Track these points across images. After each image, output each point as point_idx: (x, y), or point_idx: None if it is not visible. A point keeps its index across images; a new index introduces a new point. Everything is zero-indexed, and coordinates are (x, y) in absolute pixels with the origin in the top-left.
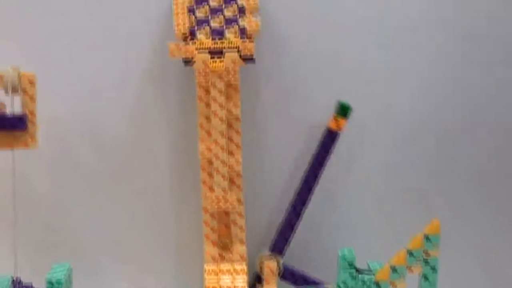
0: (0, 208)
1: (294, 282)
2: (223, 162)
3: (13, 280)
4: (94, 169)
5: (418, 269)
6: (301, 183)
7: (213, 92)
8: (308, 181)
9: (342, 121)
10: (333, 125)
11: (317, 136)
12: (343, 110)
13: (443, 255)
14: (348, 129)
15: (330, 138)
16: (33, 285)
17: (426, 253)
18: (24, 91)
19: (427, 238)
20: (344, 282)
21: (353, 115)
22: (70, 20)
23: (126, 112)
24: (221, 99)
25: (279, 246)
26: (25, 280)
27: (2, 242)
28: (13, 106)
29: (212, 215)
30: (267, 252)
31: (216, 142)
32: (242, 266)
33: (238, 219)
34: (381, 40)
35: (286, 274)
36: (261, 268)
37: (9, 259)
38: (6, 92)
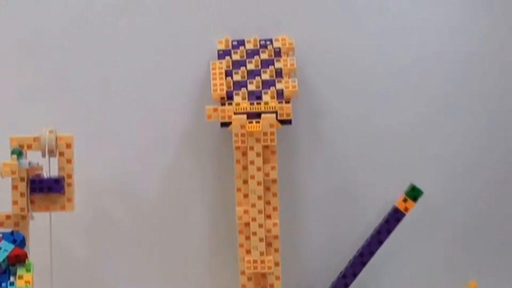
0: (37, 270)
1: None
2: (260, 225)
3: None
4: (129, 232)
5: None
6: (356, 256)
7: (250, 155)
8: (363, 255)
9: (410, 204)
10: (401, 206)
11: (352, 201)
12: (415, 194)
13: None
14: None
15: (395, 217)
16: None
17: None
18: (61, 153)
19: None
20: None
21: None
22: (107, 83)
23: (163, 174)
24: (259, 161)
25: None
26: None
27: None
28: (50, 168)
29: (249, 278)
30: None
31: (253, 205)
32: None
33: (275, 282)
34: (417, 108)
35: None
36: None
37: None
38: (43, 154)
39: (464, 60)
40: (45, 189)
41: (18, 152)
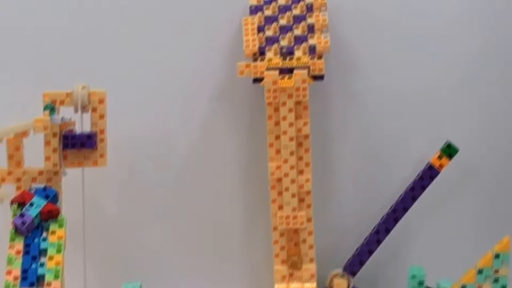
0: (69, 226)
1: None
2: (292, 180)
3: None
4: (162, 187)
5: None
6: (389, 213)
7: (283, 111)
8: (396, 212)
9: (445, 161)
10: (435, 163)
11: (386, 158)
12: (450, 151)
13: None
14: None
15: (429, 174)
16: None
17: (496, 271)
18: (94, 109)
19: (497, 256)
20: None
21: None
22: (140, 38)
23: (195, 131)
24: (291, 117)
25: (353, 267)
26: None
27: (72, 260)
28: (83, 124)
29: (281, 234)
30: (339, 270)
31: (285, 160)
32: (312, 285)
33: (307, 238)
34: (453, 63)
35: None
36: (331, 286)
37: (79, 278)
38: (76, 110)
39: (495, 13)
40: (77, 144)
41: (51, 108)
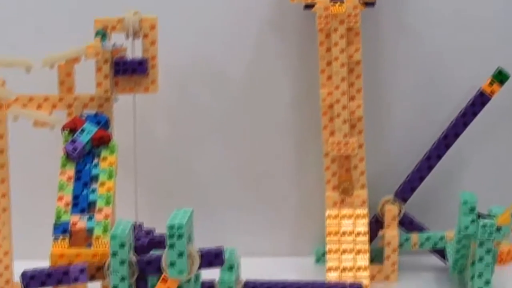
0: (120, 152)
1: (410, 231)
2: (344, 106)
3: (135, 225)
4: (212, 114)
5: None
6: (440, 139)
7: (334, 37)
8: (447, 138)
9: (496, 87)
10: (487, 89)
11: (437, 85)
12: (502, 77)
13: None
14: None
15: (481, 100)
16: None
17: None
18: (145, 35)
19: None
20: (465, 227)
21: None
22: None
23: (246, 57)
24: (342, 43)
25: (404, 193)
26: (146, 224)
27: (123, 186)
28: (134, 50)
29: (333, 160)
30: (390, 196)
31: (337, 87)
32: (363, 211)
33: (359, 164)
34: None
35: (405, 221)
36: (382, 212)
37: (130, 204)
38: (128, 36)
39: None
40: (129, 71)
41: (102, 34)
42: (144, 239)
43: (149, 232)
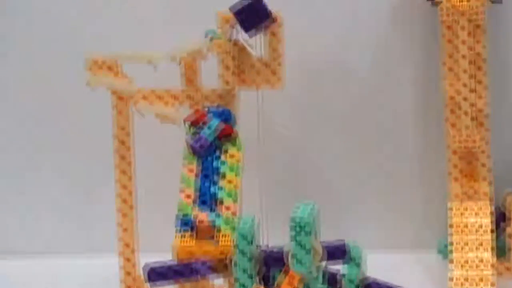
0: (246, 146)
1: None
2: (466, 99)
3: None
4: (336, 109)
5: None
6: None
7: (460, 33)
8: None
9: None
10: None
11: None
12: None
13: None
14: None
15: None
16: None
17: None
18: (272, 32)
19: None
20: None
21: None
22: None
23: (371, 50)
24: (467, 38)
25: None
26: (271, 219)
27: (247, 181)
28: (261, 47)
29: (455, 153)
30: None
31: (460, 79)
32: (486, 203)
33: (482, 157)
34: None
35: None
36: (504, 204)
37: (254, 199)
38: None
39: None
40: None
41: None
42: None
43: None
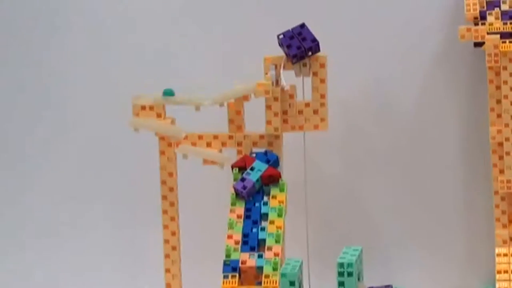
0: (290, 189)
1: None
2: None
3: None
4: (381, 152)
5: None
6: None
7: (504, 75)
8: None
9: None
10: None
11: None
12: None
13: None
14: None
15: None
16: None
17: None
18: (315, 73)
19: None
20: None
21: None
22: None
23: (415, 94)
24: None
25: None
26: (314, 262)
27: (293, 224)
28: (304, 89)
29: (503, 198)
30: None
31: (506, 125)
32: None
33: None
34: None
35: None
36: None
37: (300, 241)
38: (297, 74)
39: None
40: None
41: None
42: None
43: None
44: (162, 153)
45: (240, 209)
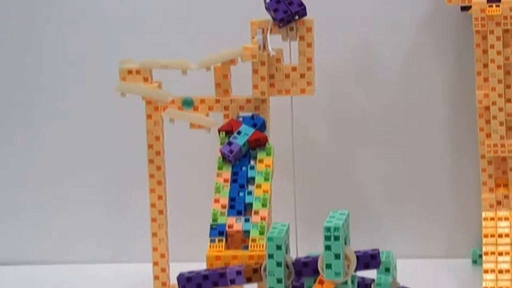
0: (277, 154)
1: None
2: (500, 108)
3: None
4: (368, 115)
5: None
6: None
7: (490, 39)
8: None
9: None
10: None
11: None
12: None
13: None
14: None
15: None
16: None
17: None
18: (301, 37)
19: None
20: None
21: None
22: None
23: (402, 58)
24: (498, 45)
25: None
26: (303, 225)
27: (281, 189)
28: (291, 52)
29: (489, 162)
30: None
31: (493, 89)
32: None
33: None
34: None
35: None
36: None
37: (287, 206)
38: (284, 38)
39: None
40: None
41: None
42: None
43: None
44: (148, 117)
45: (227, 173)
